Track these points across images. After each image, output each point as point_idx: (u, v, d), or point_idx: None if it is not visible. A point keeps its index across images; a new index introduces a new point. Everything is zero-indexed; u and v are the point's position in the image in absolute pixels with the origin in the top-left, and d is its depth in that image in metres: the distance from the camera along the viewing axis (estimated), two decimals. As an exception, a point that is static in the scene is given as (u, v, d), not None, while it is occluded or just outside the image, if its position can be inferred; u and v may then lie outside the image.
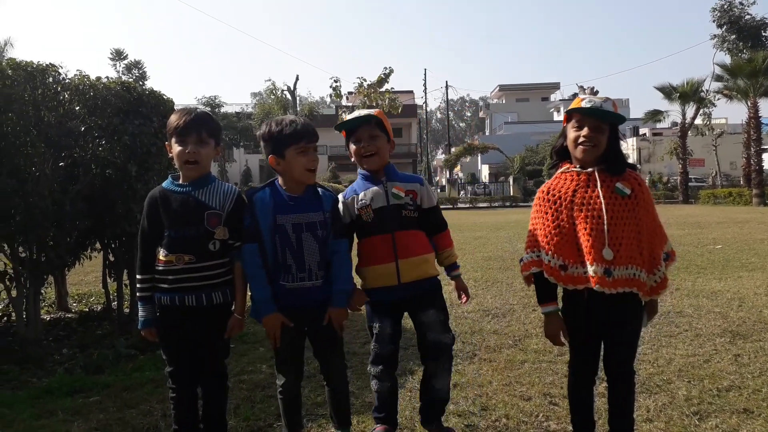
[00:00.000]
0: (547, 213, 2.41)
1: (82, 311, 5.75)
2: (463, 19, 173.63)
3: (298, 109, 38.31)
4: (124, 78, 8.43)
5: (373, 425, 2.75)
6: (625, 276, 2.28)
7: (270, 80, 39.23)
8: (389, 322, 2.65)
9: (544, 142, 41.00)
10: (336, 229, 2.55)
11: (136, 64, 45.72)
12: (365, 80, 27.48)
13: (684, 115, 30.28)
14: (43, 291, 4.80)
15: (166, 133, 2.52)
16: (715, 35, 34.91)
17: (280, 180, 2.56)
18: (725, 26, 34.18)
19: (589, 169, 2.37)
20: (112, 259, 4.97)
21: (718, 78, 28.86)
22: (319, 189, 2.58)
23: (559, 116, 53.23)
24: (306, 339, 2.61)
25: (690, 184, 31.72)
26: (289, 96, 37.31)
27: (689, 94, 29.10)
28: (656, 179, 35.74)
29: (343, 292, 2.54)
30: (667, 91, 29.48)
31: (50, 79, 4.21)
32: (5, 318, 5.07)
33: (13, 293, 4.35)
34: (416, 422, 2.86)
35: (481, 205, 33.13)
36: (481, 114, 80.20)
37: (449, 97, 55.79)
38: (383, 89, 27.46)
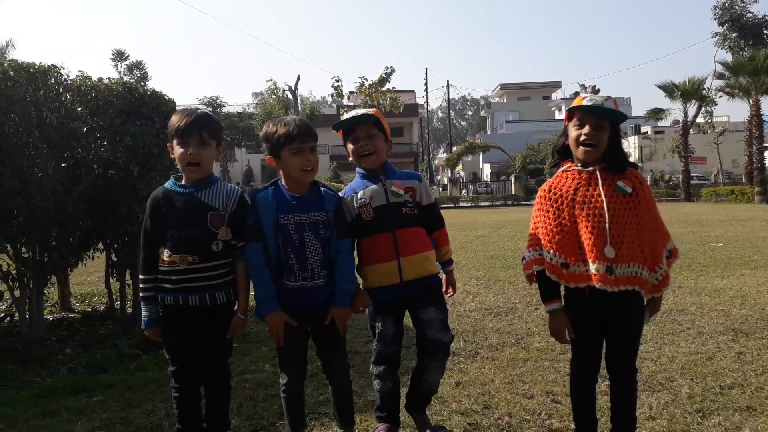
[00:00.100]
0: (548, 211, 2.41)
1: (85, 311, 5.76)
2: (465, 18, 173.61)
3: (300, 108, 38.33)
4: (125, 79, 8.41)
5: (375, 424, 2.76)
6: (626, 274, 2.28)
7: (271, 80, 39.31)
8: (391, 321, 2.66)
9: (545, 141, 40.92)
10: (339, 229, 2.54)
11: (138, 65, 45.83)
12: (366, 80, 27.46)
13: (686, 113, 30.26)
14: (46, 291, 4.83)
15: (167, 133, 2.53)
16: (716, 33, 34.84)
17: (283, 180, 2.57)
18: (726, 24, 34.09)
19: (591, 168, 2.37)
20: (114, 259, 4.98)
21: (719, 76, 28.83)
22: (322, 188, 2.58)
23: (560, 115, 53.16)
24: (309, 338, 2.61)
25: (692, 182, 31.66)
26: (290, 96, 37.34)
27: (691, 92, 29.07)
28: (658, 177, 35.69)
29: (346, 292, 2.54)
30: (669, 89, 29.45)
31: (52, 80, 4.23)
32: (9, 318, 5.09)
33: (17, 293, 4.36)
34: (419, 421, 2.86)
35: (482, 203, 33.10)
36: (482, 113, 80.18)
37: (450, 96, 55.84)
38: (384, 89, 27.42)
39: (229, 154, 43.87)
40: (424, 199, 2.70)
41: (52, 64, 4.25)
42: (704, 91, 29.51)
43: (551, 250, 2.36)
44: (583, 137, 2.34)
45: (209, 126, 2.48)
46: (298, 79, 37.79)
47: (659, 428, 2.83)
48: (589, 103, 2.33)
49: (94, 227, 4.56)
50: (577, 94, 40.82)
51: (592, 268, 2.28)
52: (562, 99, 60.80)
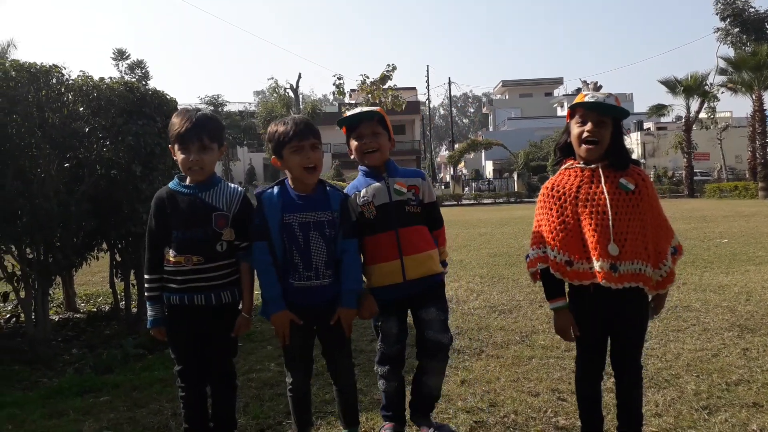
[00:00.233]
0: (551, 209, 2.41)
1: (90, 311, 5.78)
2: (466, 16, 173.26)
3: (301, 107, 38.34)
4: (126, 78, 8.45)
5: (381, 422, 2.76)
6: (630, 271, 2.28)
7: (273, 78, 39.36)
8: (395, 321, 2.65)
9: (547, 138, 40.87)
10: (345, 229, 2.53)
11: (139, 64, 45.85)
12: (368, 77, 27.45)
13: (688, 108, 30.19)
14: (51, 292, 4.83)
15: (169, 134, 2.53)
16: (718, 28, 34.71)
17: (289, 179, 2.56)
18: (728, 19, 33.96)
19: (593, 165, 2.37)
20: (118, 259, 4.99)
21: (722, 71, 28.76)
22: (328, 188, 2.57)
23: (562, 111, 53.01)
24: (315, 337, 2.61)
25: (695, 178, 31.62)
26: (291, 94, 37.34)
27: (693, 87, 29.00)
28: (661, 173, 35.61)
29: (352, 292, 2.53)
30: (672, 85, 29.38)
31: (54, 80, 4.23)
32: (14, 319, 5.11)
33: (22, 294, 4.37)
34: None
35: (485, 201, 33.11)
36: (484, 110, 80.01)
37: (452, 93, 55.80)
38: (386, 86, 27.41)
39: (231, 153, 43.90)
40: (427, 197, 2.69)
41: (53, 64, 4.25)
42: (707, 87, 29.43)
43: (555, 248, 2.36)
44: (585, 134, 2.33)
45: (210, 129, 2.47)
46: (300, 77, 37.97)
47: (666, 425, 2.82)
48: (591, 100, 2.33)
49: (97, 227, 4.56)
50: (579, 90, 40.75)
51: (596, 265, 2.28)
52: (564, 95, 60.62)
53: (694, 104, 30.02)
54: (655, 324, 4.38)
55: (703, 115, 30.97)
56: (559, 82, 66.89)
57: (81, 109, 4.39)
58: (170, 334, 2.53)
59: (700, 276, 6.52)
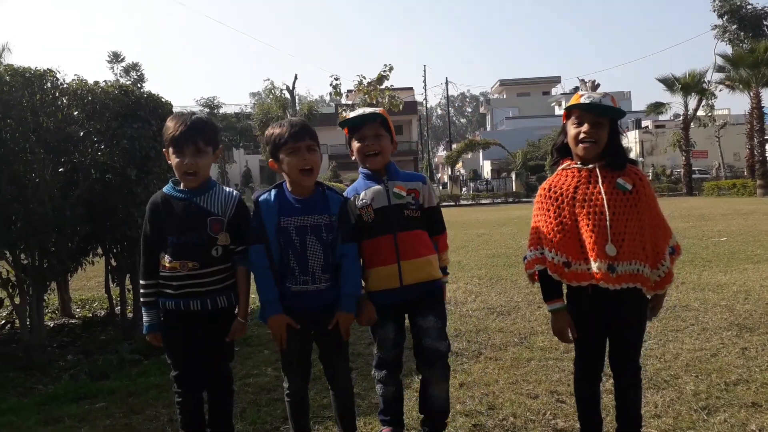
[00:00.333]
0: (549, 210, 2.39)
1: (86, 317, 5.75)
2: (462, 15, 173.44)
3: (298, 108, 38.28)
4: (121, 81, 8.41)
5: (379, 427, 2.74)
6: (628, 271, 2.27)
7: (269, 80, 39.12)
8: (392, 326, 2.62)
9: (545, 137, 40.87)
10: (344, 232, 2.50)
11: (134, 67, 45.83)
12: (365, 78, 27.41)
13: (686, 106, 30.22)
14: (46, 297, 4.81)
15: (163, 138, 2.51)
16: (716, 25, 34.82)
17: (287, 182, 2.54)
18: (726, 16, 34.06)
19: (590, 166, 2.36)
20: (114, 264, 4.96)
21: (719, 69, 28.78)
22: (326, 191, 2.55)
23: (560, 110, 53.04)
24: (313, 341, 2.59)
25: (693, 176, 31.64)
26: (288, 95, 37.29)
27: (691, 85, 29.02)
28: (660, 172, 35.63)
29: (351, 297, 2.50)
30: (669, 83, 29.40)
31: (48, 85, 4.21)
32: (9, 325, 5.08)
33: (17, 300, 4.34)
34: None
35: (483, 201, 33.10)
36: (481, 109, 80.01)
37: (449, 93, 55.83)
38: (383, 87, 27.37)
39: (227, 155, 43.84)
40: (427, 202, 2.65)
41: (47, 69, 4.24)
42: (705, 84, 29.45)
43: (552, 249, 2.35)
44: (582, 135, 2.32)
45: (204, 133, 2.45)
46: (296, 78, 37.73)
47: (665, 426, 2.80)
48: (587, 101, 2.32)
49: (92, 232, 4.54)
50: (576, 89, 40.72)
51: (594, 266, 2.27)
52: (562, 94, 60.63)
53: (692, 102, 30.08)
54: (653, 324, 4.37)
55: (701, 112, 31.00)
56: (556, 80, 66.93)
57: (75, 113, 4.37)
58: (166, 339, 2.51)
59: (699, 275, 6.51)
